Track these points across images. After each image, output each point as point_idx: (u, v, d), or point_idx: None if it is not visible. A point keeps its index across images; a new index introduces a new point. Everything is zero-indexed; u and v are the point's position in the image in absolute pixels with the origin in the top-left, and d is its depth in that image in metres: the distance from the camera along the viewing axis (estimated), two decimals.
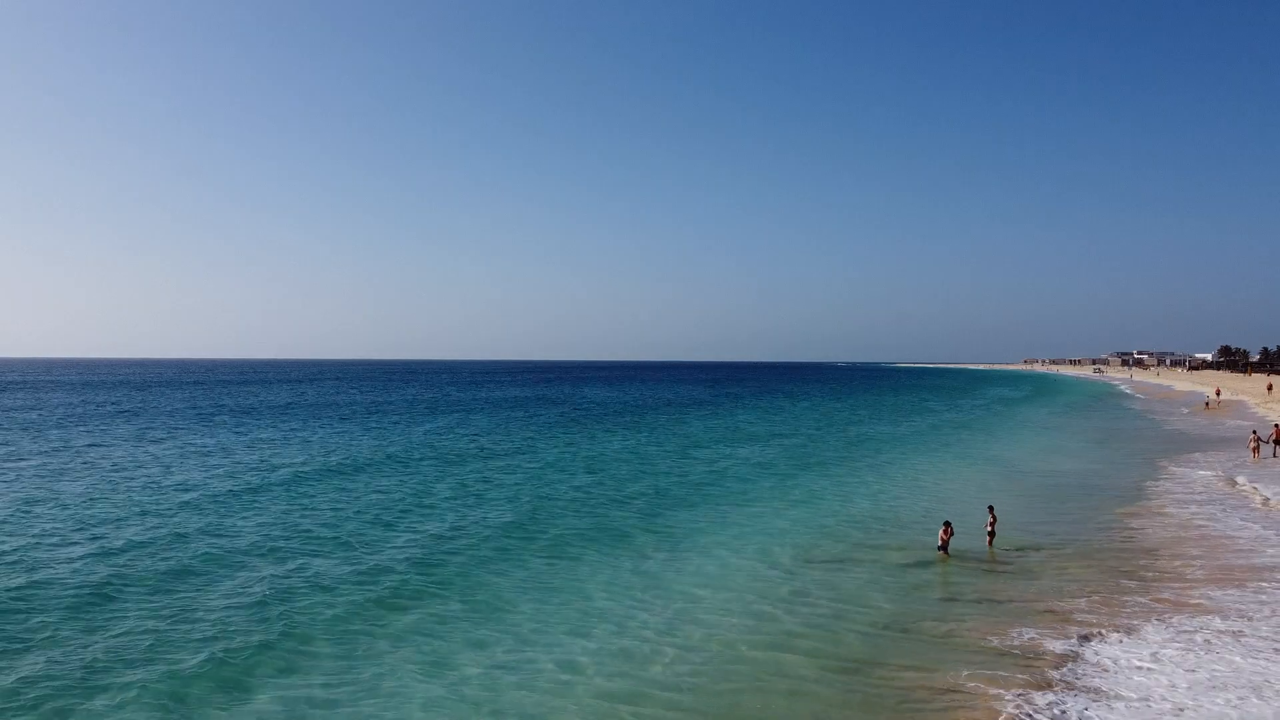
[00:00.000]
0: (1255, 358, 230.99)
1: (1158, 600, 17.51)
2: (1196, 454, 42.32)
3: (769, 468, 38.89)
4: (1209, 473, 35.70)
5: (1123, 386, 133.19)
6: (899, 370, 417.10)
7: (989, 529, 22.77)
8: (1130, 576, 19.48)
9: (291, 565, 19.96)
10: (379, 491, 30.66)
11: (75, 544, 21.71)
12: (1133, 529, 24.90)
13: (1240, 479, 33.36)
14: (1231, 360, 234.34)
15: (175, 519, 25.09)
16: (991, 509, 23.63)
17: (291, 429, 55.97)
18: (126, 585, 18.09)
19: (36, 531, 23.13)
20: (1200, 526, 24.74)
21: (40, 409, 73.46)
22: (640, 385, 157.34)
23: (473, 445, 47.24)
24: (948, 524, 22.03)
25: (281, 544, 22.10)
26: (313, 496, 29.49)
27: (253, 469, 36.13)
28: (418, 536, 23.25)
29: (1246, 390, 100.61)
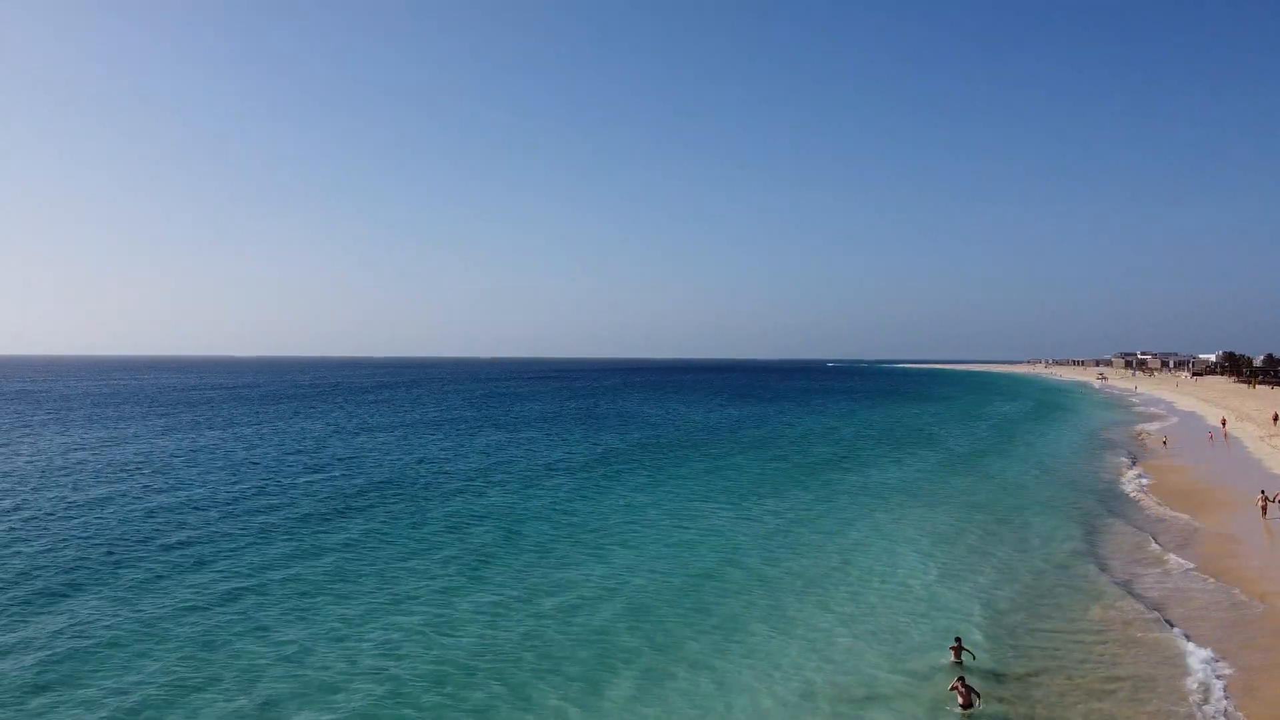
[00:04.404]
0: (1259, 361, 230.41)
1: None
2: (1218, 514, 41.83)
3: (784, 534, 38.90)
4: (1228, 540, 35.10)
5: (1135, 414, 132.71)
6: (902, 373, 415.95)
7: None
8: None
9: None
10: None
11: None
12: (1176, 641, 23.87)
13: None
14: (1235, 366, 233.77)
15: None
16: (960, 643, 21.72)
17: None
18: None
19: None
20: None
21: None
22: (643, 397, 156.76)
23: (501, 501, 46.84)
24: (962, 679, 20.02)
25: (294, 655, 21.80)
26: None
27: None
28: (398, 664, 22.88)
29: (1250, 413, 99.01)
